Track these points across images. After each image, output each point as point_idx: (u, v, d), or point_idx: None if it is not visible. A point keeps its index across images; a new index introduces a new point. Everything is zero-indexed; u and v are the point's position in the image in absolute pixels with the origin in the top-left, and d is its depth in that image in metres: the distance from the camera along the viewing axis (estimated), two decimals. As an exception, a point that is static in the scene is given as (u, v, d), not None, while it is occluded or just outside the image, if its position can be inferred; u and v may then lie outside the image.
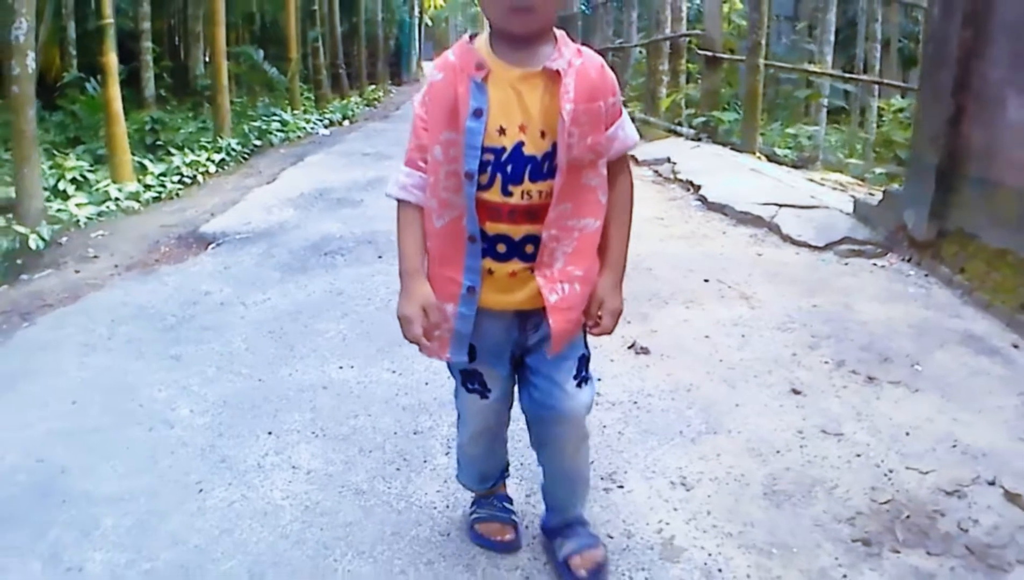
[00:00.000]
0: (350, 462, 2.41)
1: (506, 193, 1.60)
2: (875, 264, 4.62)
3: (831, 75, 10.72)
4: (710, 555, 1.97)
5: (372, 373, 3.08)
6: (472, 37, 1.68)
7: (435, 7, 41.55)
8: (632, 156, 1.73)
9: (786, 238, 4.99)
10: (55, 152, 8.38)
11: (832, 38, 12.49)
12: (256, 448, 2.50)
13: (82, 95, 10.78)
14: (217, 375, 3.08)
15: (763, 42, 8.46)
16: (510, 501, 2.09)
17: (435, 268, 1.71)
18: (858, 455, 2.46)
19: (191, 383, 3.00)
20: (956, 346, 3.43)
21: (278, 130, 11.12)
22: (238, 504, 2.20)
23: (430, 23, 45.63)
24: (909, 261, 4.63)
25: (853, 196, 5.63)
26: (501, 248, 1.64)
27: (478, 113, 1.56)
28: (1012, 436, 2.64)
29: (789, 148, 9.02)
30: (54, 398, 2.93)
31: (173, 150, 8.89)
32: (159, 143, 9.66)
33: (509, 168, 1.59)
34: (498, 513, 2.04)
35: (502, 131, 1.58)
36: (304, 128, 11.94)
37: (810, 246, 4.84)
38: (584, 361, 1.80)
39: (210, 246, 5.16)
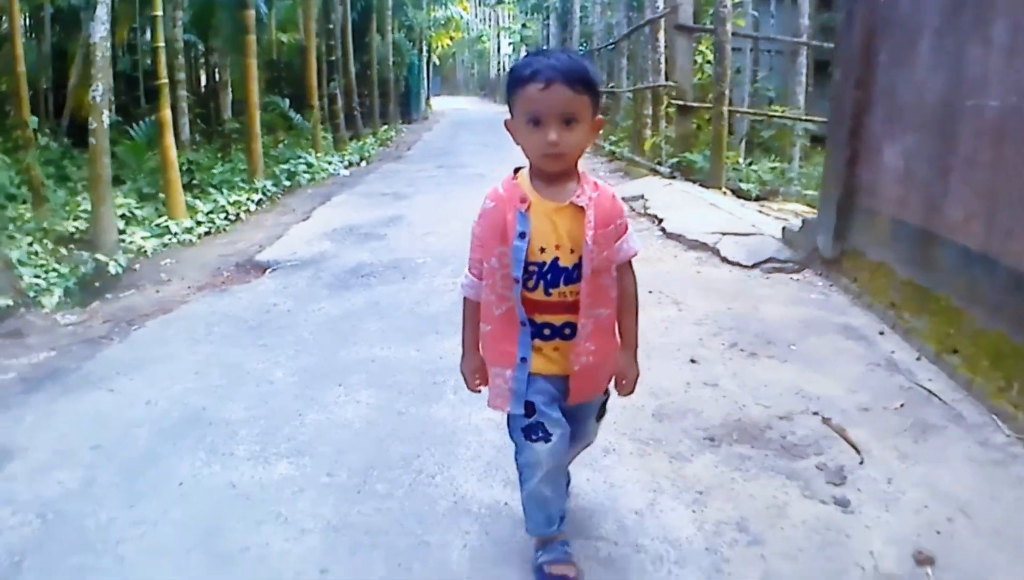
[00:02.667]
0: (393, 399, 3.71)
1: (547, 294, 2.12)
2: (791, 278, 5.86)
3: (778, 116, 12.06)
4: (608, 442, 3.21)
5: (403, 352, 4.37)
6: (516, 171, 2.18)
7: (443, 47, 42.82)
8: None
9: (724, 259, 6.25)
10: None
11: (803, 79, 13.91)
12: (332, 393, 3.79)
13: (123, 138, 11.79)
14: (296, 355, 4.37)
15: (726, 92, 9.78)
16: (569, 544, 2.40)
17: (496, 344, 2.22)
18: (724, 397, 3.72)
19: (279, 359, 4.29)
20: (833, 334, 4.67)
21: (304, 172, 12.37)
22: (325, 421, 3.49)
23: (438, 62, 47.04)
24: (819, 275, 5.87)
25: (784, 224, 6.90)
26: (546, 331, 2.16)
27: (522, 236, 2.06)
28: (845, 389, 3.85)
29: (752, 183, 10.28)
30: (179, 372, 4.20)
31: (211, 189, 10.13)
32: (194, 182, 10.81)
33: (549, 276, 2.10)
34: (561, 556, 2.33)
35: (542, 250, 2.08)
36: (327, 169, 13.18)
37: (741, 265, 6.10)
38: (604, 403, 2.43)
39: (267, 271, 6.45)
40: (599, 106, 2.07)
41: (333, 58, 17.38)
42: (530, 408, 2.18)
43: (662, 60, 12.36)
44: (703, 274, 5.95)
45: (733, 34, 10.12)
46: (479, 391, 2.37)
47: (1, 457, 3.25)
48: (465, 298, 2.34)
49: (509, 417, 2.24)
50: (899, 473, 3.06)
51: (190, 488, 2.95)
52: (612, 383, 2.35)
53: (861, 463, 3.15)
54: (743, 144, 13.22)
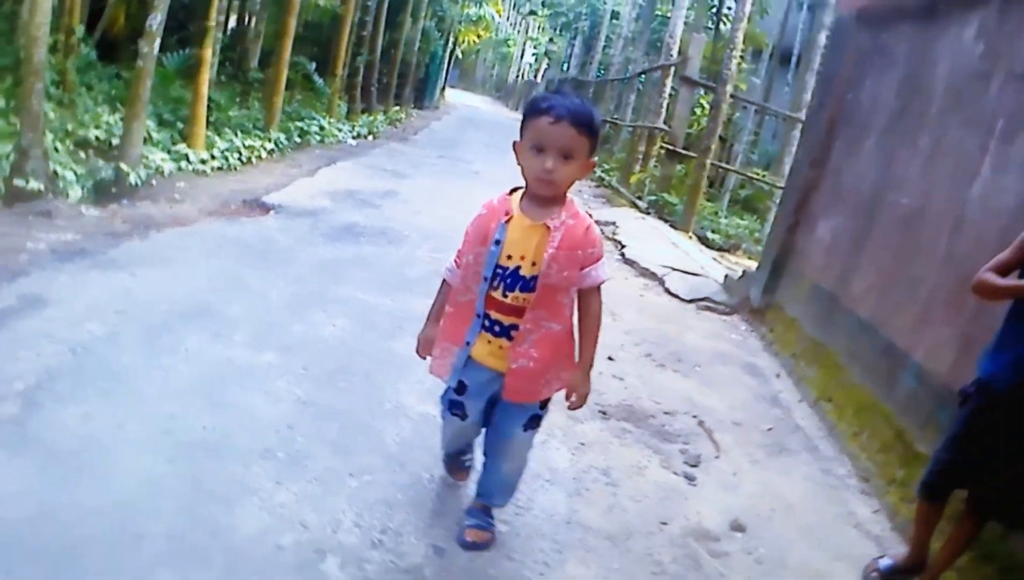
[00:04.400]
0: (364, 330, 4.55)
1: (504, 296, 2.38)
2: (720, 318, 6.73)
3: (758, 178, 12.99)
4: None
5: (379, 299, 5.20)
6: (513, 190, 2.45)
7: (470, 43, 43.36)
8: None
9: (667, 290, 7.12)
10: (118, 106, 9.75)
11: (793, 149, 14.83)
12: (316, 315, 4.62)
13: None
14: (290, 282, 5.18)
15: (712, 147, 10.70)
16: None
17: (453, 325, 2.53)
18: (626, 388, 4.57)
19: (276, 283, 5.09)
20: (736, 367, 5.53)
21: (316, 133, 13.09)
22: (307, 332, 4.34)
23: (460, 56, 47.64)
24: (744, 320, 6.74)
25: (728, 273, 7.78)
26: (496, 328, 2.43)
27: (498, 242, 2.35)
28: (728, 407, 4.71)
29: (719, 234, 11.18)
30: (192, 273, 4.98)
31: (227, 130, 10.78)
32: (211, 120, 11.38)
33: (509, 281, 2.36)
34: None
35: (509, 257, 2.35)
36: (336, 136, 13.88)
37: (680, 298, 6.97)
38: (535, 418, 2.61)
39: (271, 212, 7.22)
40: (595, 149, 2.33)
41: (364, 33, 18.03)
42: (461, 387, 2.55)
43: (664, 104, 13.26)
44: (645, 298, 6.82)
45: (732, 96, 11.03)
46: (424, 358, 2.71)
47: (40, 303, 4.02)
48: (444, 281, 2.63)
49: (445, 388, 2.64)
50: (745, 471, 3.92)
51: (196, 355, 3.75)
52: (564, 397, 2.58)
53: (717, 457, 4.01)
54: (727, 197, 14.14)
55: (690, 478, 3.72)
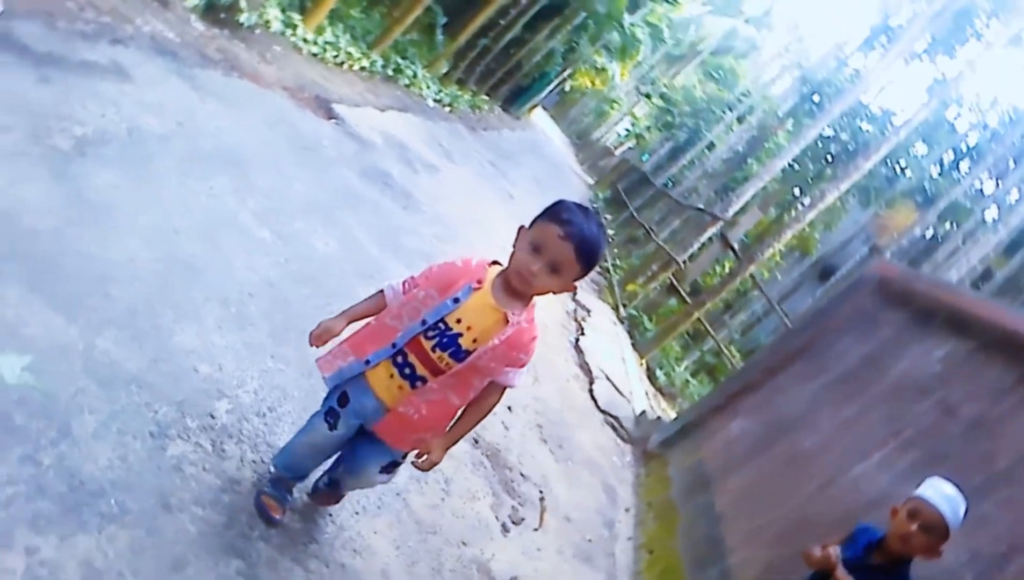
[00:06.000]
0: (345, 261, 5.11)
1: (433, 351, 2.40)
2: (615, 440, 7.34)
3: (724, 350, 13.66)
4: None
5: (369, 245, 5.74)
6: (493, 263, 2.49)
7: (582, 84, 43.52)
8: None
9: (590, 390, 7.73)
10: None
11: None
12: (317, 226, 5.16)
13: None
14: (312, 188, 5.74)
15: (707, 305, 11.39)
16: (294, 497, 2.84)
17: (366, 337, 2.51)
18: (505, 437, 5.15)
19: (303, 180, 5.67)
20: (599, 480, 6.09)
21: (407, 76, 13.63)
22: (306, 234, 4.89)
23: (567, 89, 48.15)
24: (634, 454, 7.34)
25: (644, 410, 8.41)
26: (406, 369, 2.43)
27: (456, 301, 2.37)
28: (571, 502, 5.31)
29: (665, 376, 11.82)
30: (245, 132, 5.54)
31: (340, 26, 11.26)
32: (333, 9, 11.75)
33: (444, 340, 2.38)
34: (280, 497, 2.75)
35: (458, 321, 2.37)
36: (421, 90, 14.42)
37: (595, 403, 7.58)
38: (393, 464, 2.64)
39: (332, 120, 7.81)
40: (583, 276, 2.40)
41: (502, 21, 18.40)
42: (344, 399, 2.55)
43: (696, 245, 13.97)
44: (569, 384, 7.44)
45: (752, 277, 11.72)
46: (313, 345, 2.55)
47: (123, 76, 4.60)
48: (381, 292, 2.56)
49: (329, 391, 2.63)
50: (547, 554, 4.49)
51: (215, 195, 4.34)
52: (416, 454, 2.58)
53: (535, 529, 4.58)
54: (696, 354, 14.82)
55: (506, 528, 4.30)
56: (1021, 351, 4.67)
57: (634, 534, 5.77)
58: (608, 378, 8.24)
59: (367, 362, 2.47)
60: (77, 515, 2.15)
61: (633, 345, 11.23)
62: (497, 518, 4.29)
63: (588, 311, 10.37)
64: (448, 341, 2.39)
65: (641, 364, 10.96)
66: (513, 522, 4.44)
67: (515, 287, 2.37)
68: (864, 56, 24.76)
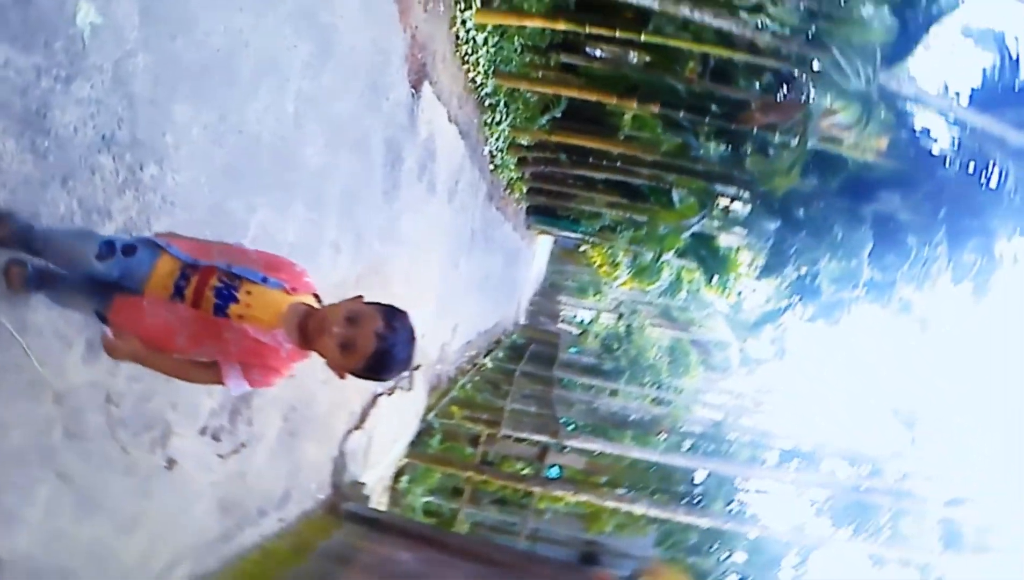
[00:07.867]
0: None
1: (210, 289, 2.56)
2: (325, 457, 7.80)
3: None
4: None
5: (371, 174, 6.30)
6: (314, 296, 2.68)
7: (598, 263, 41.33)
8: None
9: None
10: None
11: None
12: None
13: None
14: (370, 119, 6.25)
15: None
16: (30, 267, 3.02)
17: (191, 242, 2.74)
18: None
19: (369, 111, 6.21)
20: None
21: (495, 117, 13.51)
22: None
23: (582, 249, 47.04)
24: (317, 493, 7.81)
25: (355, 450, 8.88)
26: (181, 281, 2.59)
27: (264, 280, 2.60)
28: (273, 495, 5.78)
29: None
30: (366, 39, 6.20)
31: None
32: None
33: (225, 293, 2.56)
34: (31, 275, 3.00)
35: (248, 293, 2.57)
36: (490, 135, 14.10)
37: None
38: (99, 317, 2.75)
39: (413, 89, 8.16)
40: (359, 376, 2.49)
41: (606, 164, 18.42)
42: (129, 250, 2.66)
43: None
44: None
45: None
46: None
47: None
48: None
49: (132, 237, 2.82)
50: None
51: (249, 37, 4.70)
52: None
53: (244, 445, 5.07)
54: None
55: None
56: None
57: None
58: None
59: (170, 248, 2.64)
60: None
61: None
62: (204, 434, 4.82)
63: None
64: (226, 295, 2.53)
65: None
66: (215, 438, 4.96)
67: (307, 327, 2.51)
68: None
